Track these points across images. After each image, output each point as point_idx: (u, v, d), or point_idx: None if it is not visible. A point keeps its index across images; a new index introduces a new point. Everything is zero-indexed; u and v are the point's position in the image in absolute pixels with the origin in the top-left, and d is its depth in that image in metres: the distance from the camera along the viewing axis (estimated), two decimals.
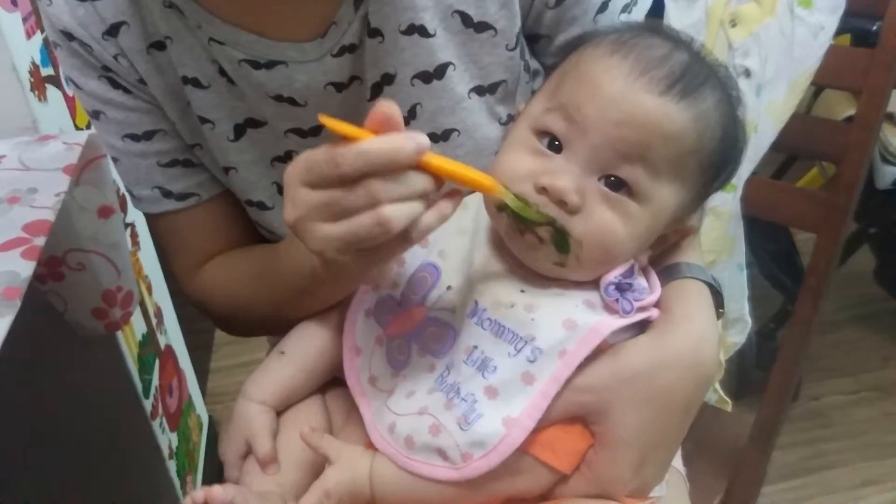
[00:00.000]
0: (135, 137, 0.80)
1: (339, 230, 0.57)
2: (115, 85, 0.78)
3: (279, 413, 0.76)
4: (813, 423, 1.96)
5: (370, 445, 0.71)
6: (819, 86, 1.36)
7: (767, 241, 1.88)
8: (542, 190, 0.63)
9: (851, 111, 1.10)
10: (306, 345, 0.77)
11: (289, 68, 0.73)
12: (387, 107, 0.56)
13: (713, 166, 0.67)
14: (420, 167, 0.57)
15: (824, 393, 2.04)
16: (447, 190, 0.60)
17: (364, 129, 0.57)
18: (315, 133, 0.78)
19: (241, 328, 0.90)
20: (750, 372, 1.82)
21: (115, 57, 0.76)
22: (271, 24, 0.72)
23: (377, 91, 0.76)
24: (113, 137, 0.81)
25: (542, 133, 0.66)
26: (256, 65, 0.74)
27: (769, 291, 1.90)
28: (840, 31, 1.10)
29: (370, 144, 0.55)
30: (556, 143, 0.65)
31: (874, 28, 1.32)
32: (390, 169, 0.55)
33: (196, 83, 0.77)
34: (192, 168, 0.83)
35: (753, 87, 1.12)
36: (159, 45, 0.76)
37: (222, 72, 0.76)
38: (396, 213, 0.55)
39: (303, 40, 0.72)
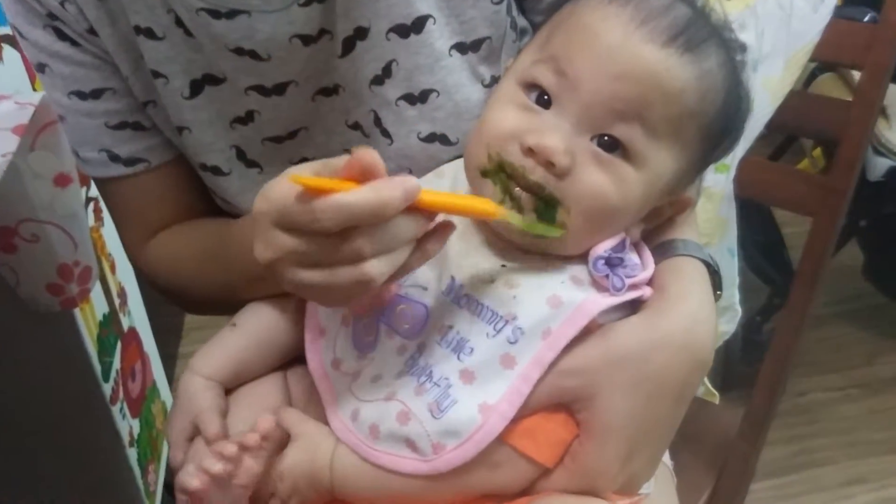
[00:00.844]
0: (82, 95, 0.75)
1: (317, 278, 0.53)
2: (62, 36, 0.72)
3: (232, 390, 0.70)
4: (799, 419, 1.93)
5: None
6: (819, 62, 1.31)
7: (755, 233, 1.85)
8: (529, 151, 0.57)
9: (846, 99, 1.07)
10: (262, 316, 0.71)
11: (251, 18, 0.67)
12: (367, 155, 0.51)
13: (714, 132, 0.62)
14: (410, 209, 0.52)
15: (810, 389, 2.01)
16: (436, 223, 0.55)
17: (340, 176, 0.51)
18: (279, 91, 0.72)
19: (191, 306, 0.85)
20: (735, 366, 1.79)
21: (61, 3, 0.70)
22: None
23: (349, 46, 0.70)
24: (59, 93, 0.75)
25: (531, 86, 0.61)
26: (216, 14, 0.68)
27: (756, 284, 1.87)
28: None
29: (353, 197, 0.50)
30: (546, 97, 0.59)
31: (864, 19, 1.29)
32: (377, 221, 0.51)
33: (149, 34, 0.71)
34: (141, 131, 0.78)
35: (749, 62, 1.07)
36: None
37: (179, 22, 0.70)
38: (380, 268, 0.52)
39: None
